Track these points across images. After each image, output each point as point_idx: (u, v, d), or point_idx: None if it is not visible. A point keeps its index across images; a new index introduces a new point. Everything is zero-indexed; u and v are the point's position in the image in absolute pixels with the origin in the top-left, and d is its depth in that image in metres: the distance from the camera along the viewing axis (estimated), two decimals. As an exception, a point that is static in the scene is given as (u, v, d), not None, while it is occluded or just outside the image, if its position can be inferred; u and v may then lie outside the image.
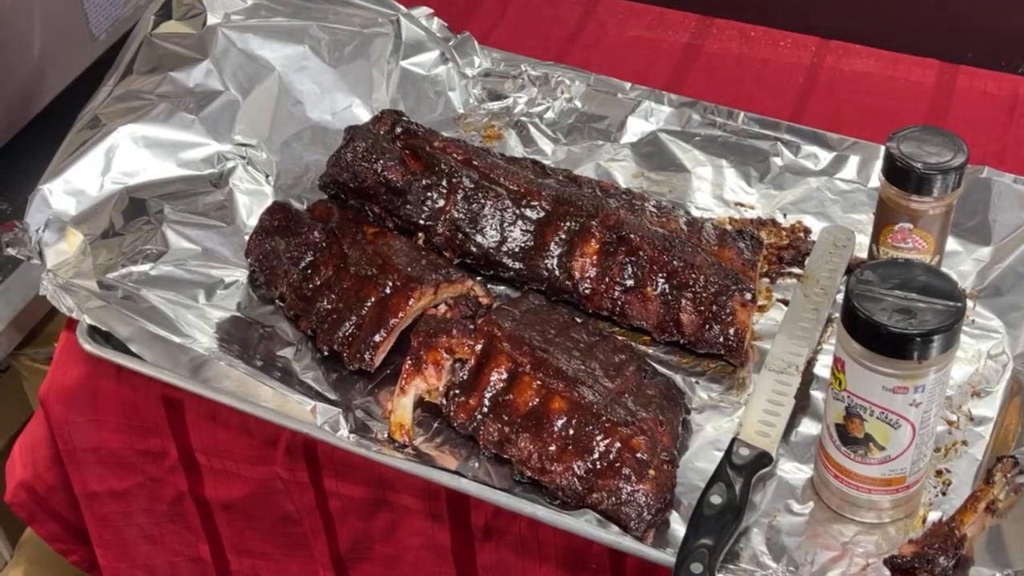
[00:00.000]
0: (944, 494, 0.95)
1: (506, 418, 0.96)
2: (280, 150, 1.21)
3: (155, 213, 1.14)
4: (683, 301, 1.04)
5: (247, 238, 1.12)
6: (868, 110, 1.30)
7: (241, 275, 1.12)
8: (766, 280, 1.11)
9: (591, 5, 1.46)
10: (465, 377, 0.99)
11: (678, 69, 1.37)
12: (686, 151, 1.23)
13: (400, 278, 1.04)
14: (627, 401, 0.96)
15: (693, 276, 1.04)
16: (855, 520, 0.93)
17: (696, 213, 1.15)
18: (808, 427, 0.99)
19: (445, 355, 0.99)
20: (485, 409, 0.97)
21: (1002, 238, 1.12)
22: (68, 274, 1.07)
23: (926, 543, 0.87)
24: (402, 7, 1.31)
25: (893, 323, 0.84)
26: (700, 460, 0.97)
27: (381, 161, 1.12)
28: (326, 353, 1.04)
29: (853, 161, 1.20)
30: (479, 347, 0.99)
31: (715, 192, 1.19)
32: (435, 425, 1.00)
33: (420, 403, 1.00)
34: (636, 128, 1.26)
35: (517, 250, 1.09)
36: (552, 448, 0.94)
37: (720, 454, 0.94)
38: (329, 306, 1.05)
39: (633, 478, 0.92)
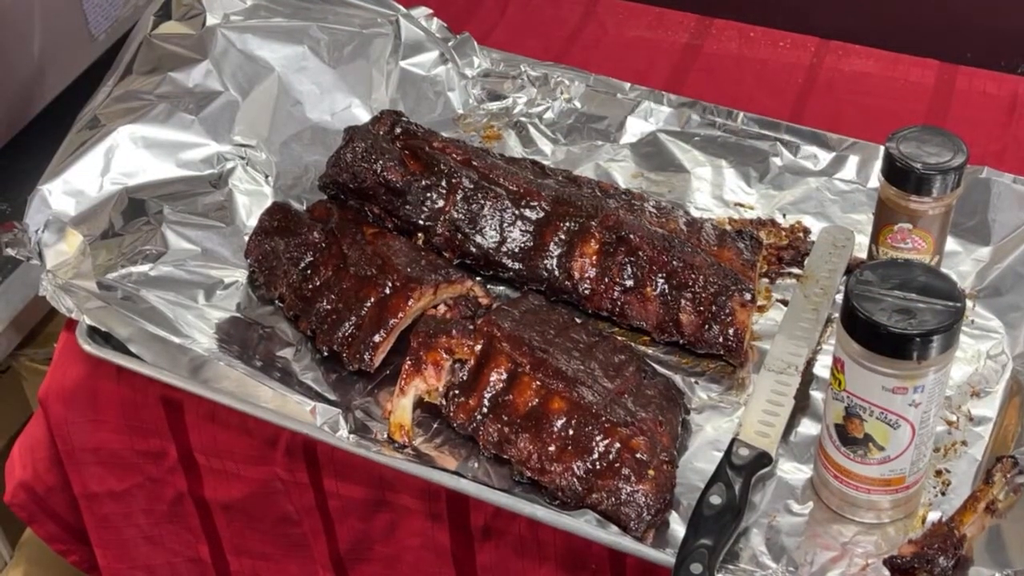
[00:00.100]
0: (944, 494, 0.95)
1: (506, 418, 0.96)
2: (279, 150, 1.21)
3: (155, 214, 1.14)
4: (682, 301, 1.04)
5: (247, 239, 1.12)
6: (867, 110, 1.30)
7: (241, 275, 1.12)
8: (765, 280, 1.11)
9: (591, 5, 1.46)
10: (465, 377, 0.99)
11: (678, 69, 1.37)
12: (685, 151, 1.23)
13: (400, 278, 1.04)
14: (627, 401, 0.96)
15: (693, 276, 1.04)
16: (855, 520, 0.93)
17: (695, 213, 1.15)
18: (808, 427, 0.99)
19: (445, 355, 0.99)
20: (485, 409, 0.97)
21: (1001, 238, 1.12)
22: (67, 275, 1.07)
23: (926, 543, 0.87)
24: (401, 7, 1.31)
25: (893, 323, 0.84)
26: (700, 460, 0.97)
27: (380, 161, 1.11)
28: (326, 353, 1.04)
29: (852, 161, 1.20)
30: (479, 347, 0.99)
31: (714, 192, 1.19)
32: (435, 425, 1.00)
33: (420, 403, 1.00)
34: (635, 128, 1.26)
35: (517, 250, 1.09)
36: (552, 448, 0.94)
37: (720, 454, 0.94)
38: (329, 306, 1.05)
39: (633, 478, 0.92)
